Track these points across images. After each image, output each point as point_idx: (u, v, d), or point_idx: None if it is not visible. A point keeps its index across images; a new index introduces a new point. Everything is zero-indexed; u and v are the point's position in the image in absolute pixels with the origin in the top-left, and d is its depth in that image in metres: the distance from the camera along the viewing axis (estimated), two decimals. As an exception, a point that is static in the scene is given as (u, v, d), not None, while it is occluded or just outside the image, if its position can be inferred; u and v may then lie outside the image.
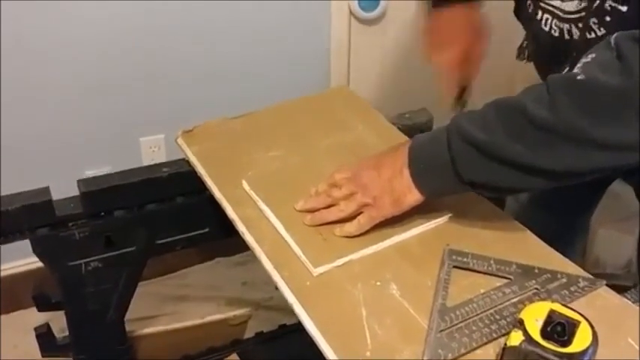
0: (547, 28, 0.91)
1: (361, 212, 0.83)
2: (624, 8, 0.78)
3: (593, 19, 0.83)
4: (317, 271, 0.78)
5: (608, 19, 0.81)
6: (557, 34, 0.89)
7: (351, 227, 0.84)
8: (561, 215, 1.19)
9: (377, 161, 0.85)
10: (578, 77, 0.69)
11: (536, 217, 0.90)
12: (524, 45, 1.03)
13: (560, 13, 0.88)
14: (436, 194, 0.82)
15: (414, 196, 0.81)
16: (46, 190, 0.99)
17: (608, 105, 0.67)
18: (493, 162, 0.73)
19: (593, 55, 0.71)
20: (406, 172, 0.80)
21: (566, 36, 0.88)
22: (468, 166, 0.75)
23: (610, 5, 0.80)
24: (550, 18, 0.90)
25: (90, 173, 1.04)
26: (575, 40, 0.86)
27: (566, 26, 0.87)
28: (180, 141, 1.06)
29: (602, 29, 0.83)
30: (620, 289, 0.79)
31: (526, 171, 0.73)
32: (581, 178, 0.73)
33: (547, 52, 0.94)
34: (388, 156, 0.84)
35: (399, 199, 0.81)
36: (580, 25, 0.85)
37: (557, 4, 0.88)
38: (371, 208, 0.83)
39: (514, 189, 0.77)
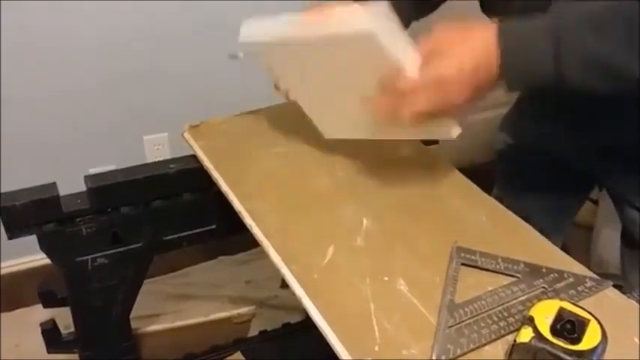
0: None
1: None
2: None
3: None
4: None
5: None
6: None
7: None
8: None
9: (464, 32, 0.77)
10: None
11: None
12: None
13: None
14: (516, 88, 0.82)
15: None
16: (53, 186, 1.00)
17: None
18: (611, 75, 0.72)
19: None
20: (494, 60, 0.75)
21: None
22: (579, 74, 0.73)
23: None
24: None
25: (94, 172, 1.05)
26: None
27: None
28: (186, 135, 1.06)
29: None
30: (623, 289, 0.80)
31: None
32: None
33: None
34: (478, 28, 0.77)
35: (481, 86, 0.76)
36: None
37: None
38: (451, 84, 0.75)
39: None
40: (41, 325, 1.12)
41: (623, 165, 1.00)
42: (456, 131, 0.82)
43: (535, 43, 0.74)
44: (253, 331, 1.65)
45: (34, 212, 0.98)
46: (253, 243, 0.86)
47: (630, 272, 1.07)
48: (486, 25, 0.77)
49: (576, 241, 1.92)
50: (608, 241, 1.85)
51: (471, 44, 0.76)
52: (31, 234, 1.00)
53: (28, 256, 1.75)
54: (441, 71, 0.75)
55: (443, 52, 0.76)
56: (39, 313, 1.17)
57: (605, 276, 0.79)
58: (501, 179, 1.25)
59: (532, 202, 1.16)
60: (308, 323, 0.74)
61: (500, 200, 0.93)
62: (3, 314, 1.74)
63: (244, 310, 1.75)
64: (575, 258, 0.82)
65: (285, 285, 0.79)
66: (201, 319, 1.72)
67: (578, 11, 0.73)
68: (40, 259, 1.03)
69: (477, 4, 0.98)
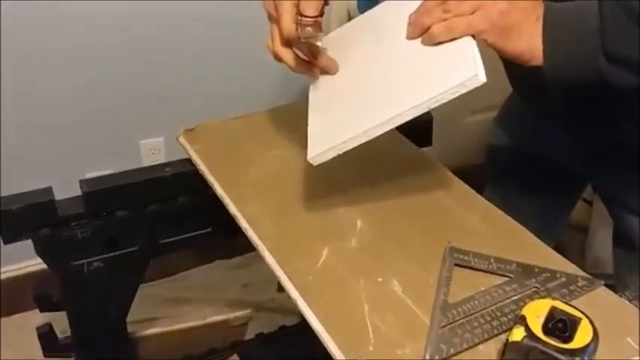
0: None
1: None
2: None
3: None
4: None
5: None
6: None
7: (459, 22, 0.76)
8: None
9: None
10: None
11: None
12: None
13: None
14: (556, 68, 0.76)
15: (527, 45, 0.75)
16: (48, 190, 1.00)
17: None
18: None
19: None
20: (540, 26, 0.75)
21: None
22: (618, 37, 0.71)
23: None
24: None
25: (90, 176, 1.06)
26: None
27: None
28: (182, 139, 1.07)
29: None
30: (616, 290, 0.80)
31: None
32: None
33: None
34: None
35: (515, 30, 0.75)
36: None
37: None
38: (489, 10, 0.75)
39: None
40: (37, 329, 1.12)
41: (614, 164, 1.01)
42: (479, 74, 0.72)
43: (581, 14, 0.74)
44: (250, 334, 1.66)
45: (29, 217, 0.98)
46: (250, 247, 0.86)
47: (624, 273, 1.08)
48: None
49: (571, 242, 1.93)
50: (604, 241, 1.85)
51: None
52: (27, 238, 1.00)
53: (27, 260, 1.76)
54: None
55: None
56: (38, 317, 1.18)
57: (601, 276, 0.80)
58: (492, 176, 1.26)
59: (523, 201, 1.17)
60: (304, 326, 0.75)
61: (492, 198, 0.94)
62: (3, 319, 1.74)
63: (241, 313, 1.76)
64: (570, 259, 0.83)
65: (281, 288, 0.79)
66: (198, 323, 1.73)
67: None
68: (39, 263, 1.03)
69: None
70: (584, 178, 1.14)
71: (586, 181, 1.18)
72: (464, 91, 0.73)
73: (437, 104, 0.74)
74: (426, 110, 0.75)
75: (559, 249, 0.85)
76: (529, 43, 0.76)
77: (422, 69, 0.79)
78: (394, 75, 0.82)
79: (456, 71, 0.74)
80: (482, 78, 0.72)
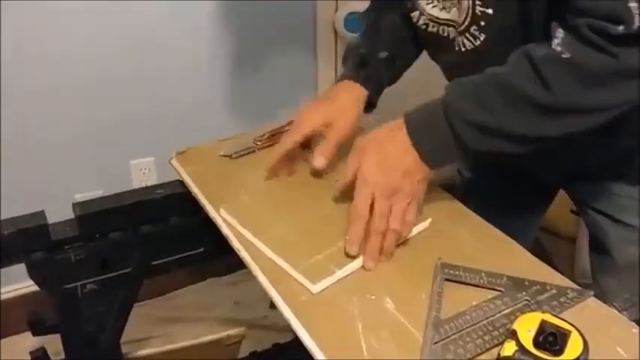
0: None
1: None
2: (490, 11, 0.84)
3: (474, 27, 0.88)
4: (316, 288, 0.79)
5: (482, 23, 0.86)
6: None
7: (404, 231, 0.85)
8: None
9: (380, 152, 0.85)
10: (563, 56, 0.75)
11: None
12: None
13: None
14: (443, 164, 0.86)
15: (421, 170, 0.85)
16: (41, 214, 1.00)
17: (597, 76, 0.75)
18: (496, 137, 0.80)
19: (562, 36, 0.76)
20: (413, 153, 0.84)
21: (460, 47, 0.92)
22: (473, 142, 0.81)
23: (479, 10, 0.85)
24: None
25: (80, 197, 1.06)
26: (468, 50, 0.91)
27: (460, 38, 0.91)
28: (174, 162, 1.08)
29: (482, 35, 0.88)
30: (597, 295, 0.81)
31: (529, 141, 0.81)
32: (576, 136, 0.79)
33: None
34: (388, 140, 0.86)
35: (408, 173, 0.84)
36: (467, 34, 0.89)
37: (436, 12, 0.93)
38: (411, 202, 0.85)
39: (518, 154, 0.82)
40: (31, 353, 1.12)
41: (584, 171, 1.02)
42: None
43: (434, 114, 0.83)
44: (244, 353, 1.65)
45: (22, 241, 0.98)
46: (242, 264, 0.87)
47: (600, 277, 1.09)
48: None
49: (561, 253, 1.94)
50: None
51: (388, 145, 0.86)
52: (20, 262, 1.00)
53: (20, 282, 1.74)
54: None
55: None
56: (32, 340, 1.17)
57: (589, 286, 0.81)
58: (465, 182, 1.27)
59: (495, 205, 1.18)
60: (298, 343, 0.75)
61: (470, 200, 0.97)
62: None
63: (234, 331, 1.75)
64: (560, 269, 0.84)
65: (274, 305, 0.80)
66: (192, 342, 1.72)
67: (464, 83, 0.83)
68: (33, 285, 1.03)
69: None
70: (553, 183, 1.16)
71: (556, 185, 1.19)
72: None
73: None
74: None
75: (549, 259, 0.86)
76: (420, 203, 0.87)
77: None
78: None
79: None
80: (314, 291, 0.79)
